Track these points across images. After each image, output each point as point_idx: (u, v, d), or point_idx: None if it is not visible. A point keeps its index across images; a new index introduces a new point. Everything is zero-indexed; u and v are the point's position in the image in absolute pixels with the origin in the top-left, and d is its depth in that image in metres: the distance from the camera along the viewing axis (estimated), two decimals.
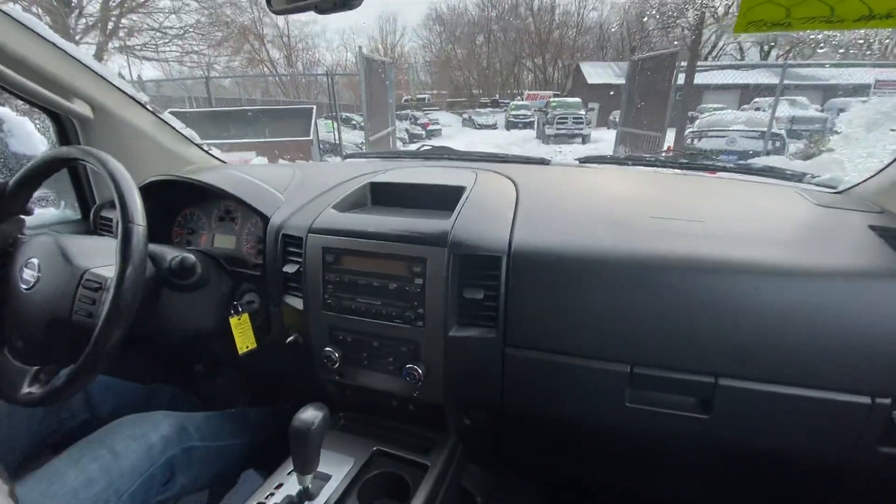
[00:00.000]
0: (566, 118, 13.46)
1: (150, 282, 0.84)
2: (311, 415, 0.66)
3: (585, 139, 13.44)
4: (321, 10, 0.67)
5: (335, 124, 8.13)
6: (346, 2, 0.64)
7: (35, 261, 0.80)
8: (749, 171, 1.08)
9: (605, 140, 12.93)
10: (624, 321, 0.71)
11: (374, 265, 0.81)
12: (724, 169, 1.09)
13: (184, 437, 0.89)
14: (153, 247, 0.86)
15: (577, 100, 16.03)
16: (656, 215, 0.81)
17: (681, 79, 6.92)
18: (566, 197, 0.92)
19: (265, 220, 0.96)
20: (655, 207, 0.85)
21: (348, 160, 1.54)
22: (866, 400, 0.65)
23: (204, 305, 0.95)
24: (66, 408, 0.96)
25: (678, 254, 0.70)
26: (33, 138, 1.26)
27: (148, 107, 1.28)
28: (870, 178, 0.92)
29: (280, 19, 25.23)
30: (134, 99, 1.25)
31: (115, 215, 1.11)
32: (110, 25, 11.60)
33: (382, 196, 1.01)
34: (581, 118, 13.53)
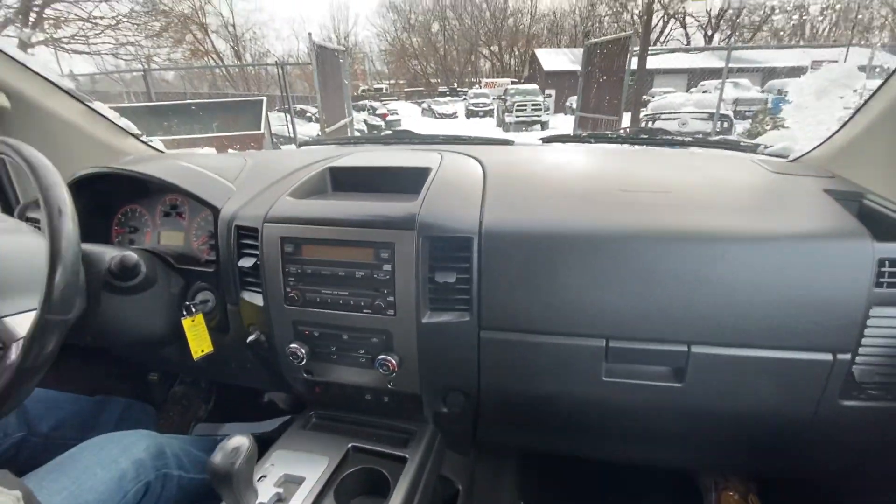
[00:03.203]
0: (525, 105, 13.59)
1: (86, 285, 0.76)
2: (231, 449, 0.55)
3: (544, 126, 13.64)
4: None
5: (288, 117, 7.79)
6: None
7: None
8: (706, 143, 1.10)
9: (562, 127, 13.18)
10: (597, 296, 0.70)
11: (337, 254, 0.77)
12: (684, 143, 1.10)
13: (161, 461, 0.80)
14: (89, 247, 0.78)
15: (535, 86, 16.19)
16: (624, 188, 0.80)
17: (634, 63, 7.08)
18: (534, 175, 0.90)
19: (215, 211, 0.88)
20: (623, 181, 0.84)
21: (304, 147, 1.46)
22: (828, 357, 0.67)
23: (152, 308, 0.87)
24: None
25: (647, 225, 0.70)
26: None
27: (74, 94, 1.16)
28: (818, 145, 0.95)
29: (224, 7, 23.93)
30: (58, 86, 1.13)
31: (41, 214, 0.99)
32: (33, 17, 10.57)
33: (343, 181, 0.96)
34: (539, 105, 13.70)
